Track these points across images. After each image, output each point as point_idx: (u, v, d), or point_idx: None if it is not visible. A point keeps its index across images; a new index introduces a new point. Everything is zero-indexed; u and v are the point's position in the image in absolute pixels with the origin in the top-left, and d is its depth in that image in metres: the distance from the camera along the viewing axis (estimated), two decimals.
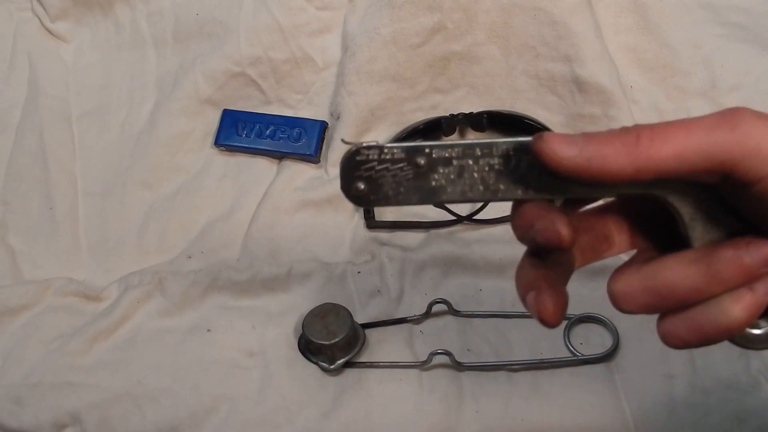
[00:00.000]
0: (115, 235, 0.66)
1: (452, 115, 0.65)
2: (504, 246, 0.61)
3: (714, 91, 0.66)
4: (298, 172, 0.66)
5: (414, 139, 0.66)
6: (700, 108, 0.66)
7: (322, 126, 0.67)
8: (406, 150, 0.33)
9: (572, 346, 0.57)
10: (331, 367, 0.56)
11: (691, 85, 0.67)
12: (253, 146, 0.67)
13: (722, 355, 0.54)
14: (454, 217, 0.62)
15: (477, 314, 0.59)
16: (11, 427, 0.55)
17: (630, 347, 0.56)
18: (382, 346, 0.58)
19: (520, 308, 0.58)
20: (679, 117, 0.69)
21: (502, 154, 0.32)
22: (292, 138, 0.67)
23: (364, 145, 0.33)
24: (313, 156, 0.66)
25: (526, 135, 0.32)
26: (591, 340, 0.57)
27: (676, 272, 0.31)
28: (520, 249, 0.64)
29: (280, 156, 0.68)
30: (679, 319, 0.32)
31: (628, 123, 0.69)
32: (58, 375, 0.56)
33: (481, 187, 0.33)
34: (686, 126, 0.30)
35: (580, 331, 0.58)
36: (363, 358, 0.57)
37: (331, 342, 0.55)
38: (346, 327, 0.56)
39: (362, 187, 0.33)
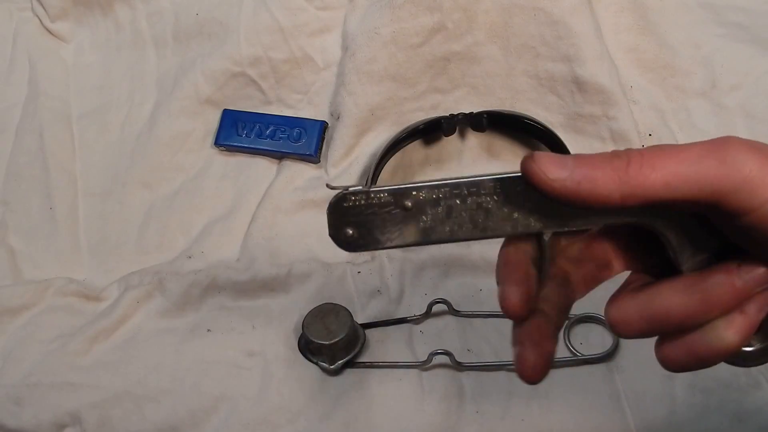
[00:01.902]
0: (115, 235, 0.66)
1: (452, 115, 0.65)
2: None
3: (714, 91, 0.66)
4: (298, 172, 0.66)
5: (404, 143, 0.66)
6: (700, 108, 0.66)
7: (322, 126, 0.67)
8: (393, 193, 0.32)
9: (572, 346, 0.57)
10: (331, 367, 0.56)
11: (691, 85, 0.67)
12: (253, 146, 0.67)
13: None
14: None
15: (477, 314, 0.59)
16: (11, 427, 0.55)
17: (630, 347, 0.56)
18: (382, 346, 0.58)
19: None
20: (679, 117, 0.70)
21: (489, 192, 0.32)
22: (292, 138, 0.67)
23: (351, 190, 0.32)
24: (313, 156, 0.66)
25: (510, 171, 0.32)
26: (591, 340, 0.57)
27: (671, 300, 0.32)
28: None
29: (280, 156, 0.68)
30: (676, 345, 0.32)
31: (628, 123, 0.69)
32: (58, 375, 0.56)
33: (470, 226, 0.33)
34: (676, 154, 0.30)
35: (580, 331, 0.58)
36: (363, 358, 0.57)
37: (331, 342, 0.55)
38: (346, 327, 0.56)
39: (351, 232, 0.33)
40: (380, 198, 0.32)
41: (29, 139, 0.69)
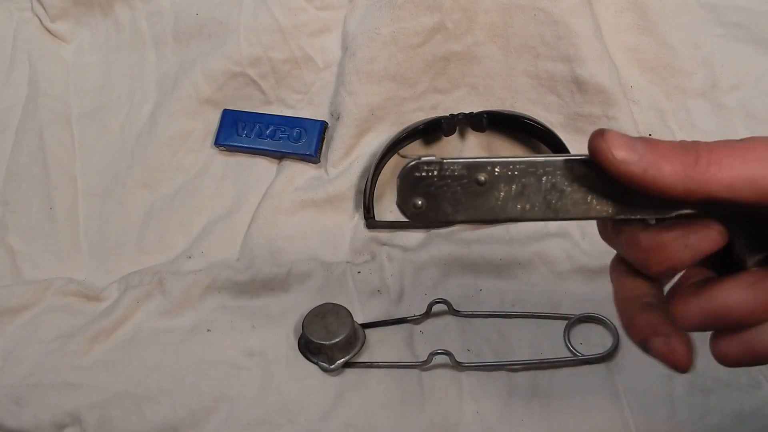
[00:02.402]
0: (115, 235, 0.66)
1: (452, 115, 0.65)
2: (504, 246, 0.61)
3: (714, 91, 0.66)
4: (298, 172, 0.66)
5: (421, 137, 0.66)
6: (700, 108, 0.66)
7: (322, 126, 0.67)
8: (468, 166, 0.32)
9: (572, 346, 0.57)
10: (331, 367, 0.56)
11: (691, 85, 0.67)
12: (253, 146, 0.67)
13: None
14: None
15: (477, 314, 0.59)
16: (11, 427, 0.55)
17: (630, 347, 0.56)
18: (382, 346, 0.58)
19: (520, 308, 0.59)
20: (679, 117, 0.70)
21: (564, 173, 0.32)
22: (292, 138, 0.67)
23: (424, 159, 0.32)
24: (313, 156, 0.66)
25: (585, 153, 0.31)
26: (591, 340, 0.57)
27: (733, 296, 0.31)
28: (520, 249, 0.64)
29: (280, 156, 0.68)
30: (733, 341, 0.32)
31: (628, 123, 0.69)
32: (58, 375, 0.56)
33: (543, 206, 0.32)
34: (743, 154, 0.29)
35: (580, 331, 0.58)
36: (363, 358, 0.57)
37: (331, 342, 0.55)
38: (346, 327, 0.56)
39: (420, 203, 0.32)
40: (453, 170, 0.32)
41: (29, 139, 0.69)
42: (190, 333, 0.59)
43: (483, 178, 0.32)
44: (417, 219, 0.32)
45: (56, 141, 0.69)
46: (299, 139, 0.67)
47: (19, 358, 0.57)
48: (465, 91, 0.67)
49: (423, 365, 0.56)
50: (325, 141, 0.67)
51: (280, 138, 0.67)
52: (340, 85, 0.67)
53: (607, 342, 0.56)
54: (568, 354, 0.56)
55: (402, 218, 0.65)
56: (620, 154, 0.30)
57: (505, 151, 0.67)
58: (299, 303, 0.60)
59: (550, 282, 0.60)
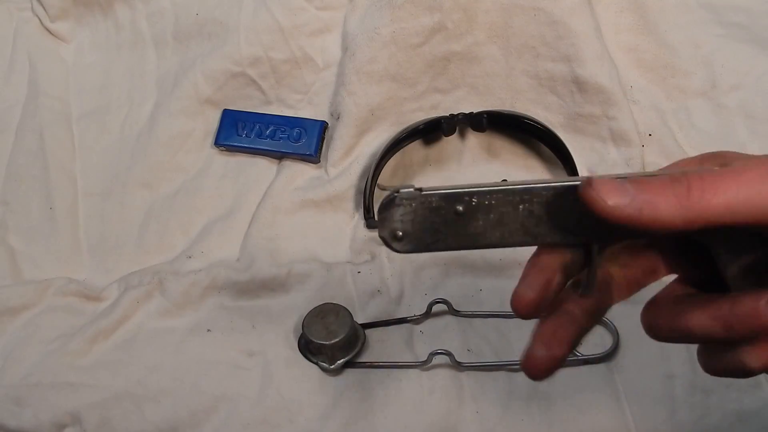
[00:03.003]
0: (115, 235, 0.66)
1: (452, 115, 0.65)
2: None
3: (714, 91, 0.66)
4: (298, 172, 0.66)
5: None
6: (700, 108, 0.66)
7: (322, 126, 0.67)
8: (445, 197, 0.32)
9: None
10: (331, 367, 0.56)
11: (691, 85, 0.67)
12: (253, 146, 0.67)
13: None
14: None
15: (477, 314, 0.59)
16: (11, 427, 0.55)
17: (630, 347, 0.56)
18: (382, 346, 0.58)
19: None
20: (679, 117, 0.70)
21: (543, 201, 0.32)
22: (292, 138, 0.67)
23: (402, 192, 0.32)
24: (313, 156, 0.66)
25: (567, 178, 0.32)
26: (591, 340, 0.57)
27: (696, 321, 0.32)
28: (520, 249, 0.64)
29: (280, 156, 0.68)
30: (710, 356, 0.34)
31: (628, 123, 0.69)
32: (58, 375, 0.56)
33: (521, 233, 0.32)
34: (737, 177, 0.29)
35: None
36: (363, 358, 0.57)
37: (331, 342, 0.55)
38: (346, 327, 0.56)
39: (400, 234, 0.33)
40: (431, 201, 0.32)
41: (29, 139, 0.69)
42: (190, 333, 0.59)
43: (461, 209, 0.32)
44: (398, 249, 0.33)
45: (56, 141, 0.69)
46: (299, 139, 0.67)
47: (19, 358, 0.57)
48: (465, 91, 0.67)
49: (423, 365, 0.56)
50: (325, 141, 0.67)
51: (280, 138, 0.67)
52: (340, 85, 0.67)
53: (607, 342, 0.56)
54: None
55: None
56: (612, 201, 0.30)
57: (506, 151, 0.67)
58: (299, 303, 0.60)
59: None
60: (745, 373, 0.33)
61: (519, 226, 0.32)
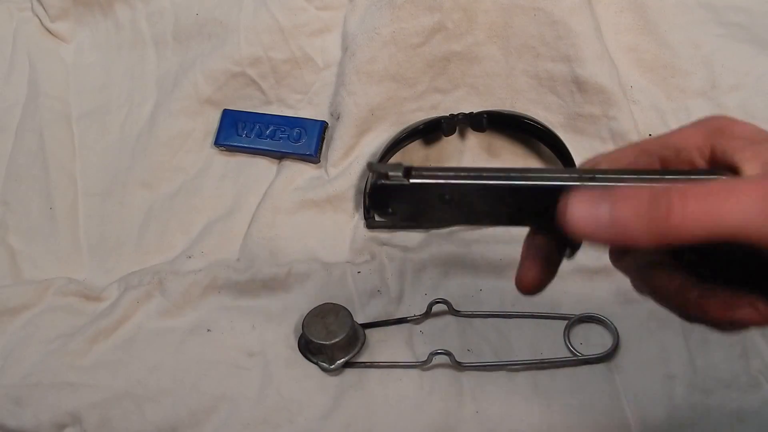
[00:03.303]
0: (115, 235, 0.66)
1: (452, 115, 0.65)
2: (504, 246, 0.61)
3: (714, 91, 0.66)
4: (298, 172, 0.66)
5: (411, 139, 0.66)
6: (700, 108, 0.66)
7: (322, 126, 0.67)
8: (434, 187, 0.33)
9: (572, 346, 0.57)
10: (331, 367, 0.56)
11: (691, 85, 0.67)
12: (253, 146, 0.67)
13: (722, 355, 0.54)
14: None
15: (477, 314, 0.59)
16: (11, 427, 0.55)
17: (630, 347, 0.56)
18: (382, 346, 0.58)
19: (520, 308, 0.59)
20: (678, 117, 0.70)
21: (527, 195, 0.33)
22: (292, 138, 0.67)
23: (392, 176, 0.33)
24: (313, 156, 0.66)
25: (551, 174, 0.33)
26: (591, 340, 0.57)
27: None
28: (520, 249, 0.64)
29: (280, 156, 0.68)
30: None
31: (628, 123, 0.69)
32: (58, 375, 0.56)
33: (505, 218, 0.34)
34: (719, 194, 0.28)
35: (580, 331, 0.58)
36: (363, 358, 0.57)
37: (331, 342, 0.55)
38: (346, 327, 0.56)
39: (390, 210, 0.34)
40: (420, 189, 0.33)
41: (29, 139, 0.69)
42: (190, 333, 0.59)
43: (447, 197, 0.33)
44: (378, 225, 0.34)
45: (56, 141, 0.69)
46: (299, 139, 0.67)
47: (19, 358, 0.57)
48: (465, 91, 0.67)
49: (423, 365, 0.56)
50: (325, 141, 0.67)
51: (280, 138, 0.67)
52: (340, 85, 0.67)
53: (607, 342, 0.56)
54: (568, 354, 0.56)
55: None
56: (586, 229, 0.30)
57: (505, 151, 0.67)
58: (299, 303, 0.60)
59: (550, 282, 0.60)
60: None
61: (503, 214, 0.34)
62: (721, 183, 0.29)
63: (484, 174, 0.33)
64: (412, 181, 0.33)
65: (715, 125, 0.34)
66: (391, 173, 0.33)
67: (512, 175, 0.33)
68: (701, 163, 0.34)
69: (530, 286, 0.35)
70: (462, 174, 0.33)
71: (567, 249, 0.35)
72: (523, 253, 0.35)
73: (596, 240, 0.30)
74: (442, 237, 0.62)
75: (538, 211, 0.33)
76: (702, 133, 0.34)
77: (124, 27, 0.74)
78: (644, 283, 0.35)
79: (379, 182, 0.33)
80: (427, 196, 0.33)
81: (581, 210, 0.30)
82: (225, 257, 0.63)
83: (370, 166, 0.34)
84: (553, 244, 0.35)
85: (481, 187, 0.33)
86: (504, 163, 0.67)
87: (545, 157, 0.66)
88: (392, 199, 0.34)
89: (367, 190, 0.34)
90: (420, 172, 0.33)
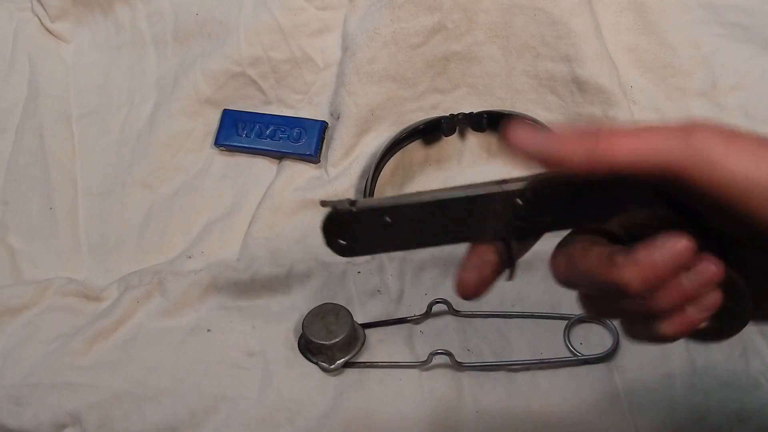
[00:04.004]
0: (115, 235, 0.66)
1: (452, 115, 0.65)
2: None
3: (714, 91, 0.66)
4: (298, 172, 0.66)
5: (398, 147, 0.66)
6: (700, 108, 0.66)
7: (322, 126, 0.67)
8: (375, 210, 0.36)
9: (572, 346, 0.57)
10: (331, 367, 0.56)
11: (691, 85, 0.67)
12: (253, 146, 0.67)
13: (722, 355, 0.55)
14: None
15: (477, 314, 0.59)
16: (11, 427, 0.55)
17: (630, 347, 0.56)
18: (382, 346, 0.58)
19: (520, 308, 0.59)
20: (679, 117, 0.70)
21: (460, 207, 0.35)
22: (292, 138, 0.67)
23: (338, 209, 0.36)
24: (313, 156, 0.66)
25: (479, 186, 0.35)
26: (591, 340, 0.57)
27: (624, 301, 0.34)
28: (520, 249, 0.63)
29: (280, 156, 0.68)
30: (625, 322, 0.36)
31: (629, 123, 0.69)
32: (58, 375, 0.56)
33: (443, 235, 0.36)
34: (646, 130, 0.31)
35: (580, 331, 0.58)
36: (363, 358, 0.57)
37: (331, 342, 0.55)
38: (346, 327, 0.56)
39: (343, 242, 0.37)
40: (363, 214, 0.36)
41: (29, 139, 0.68)
42: (190, 333, 0.59)
43: (388, 220, 0.36)
44: (344, 254, 0.37)
45: (56, 141, 0.69)
46: (299, 139, 0.67)
47: (19, 358, 0.57)
48: (465, 91, 0.67)
49: (423, 365, 0.56)
50: (325, 141, 0.67)
51: (280, 138, 0.67)
52: (340, 85, 0.67)
53: (607, 342, 0.56)
54: (568, 354, 0.56)
55: None
56: (526, 140, 0.33)
57: (505, 151, 0.67)
58: (299, 303, 0.60)
59: (550, 282, 0.59)
60: (660, 341, 0.34)
61: (443, 229, 0.36)
62: (644, 124, 0.32)
63: (420, 195, 0.36)
64: (355, 208, 0.36)
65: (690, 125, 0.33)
66: (338, 206, 0.36)
67: (440, 192, 0.36)
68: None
69: (469, 289, 0.36)
70: (400, 197, 0.36)
71: (507, 270, 0.37)
72: (464, 258, 0.37)
73: (534, 157, 0.32)
74: None
75: (469, 224, 0.35)
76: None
77: (124, 27, 0.74)
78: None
79: (328, 215, 0.36)
80: (371, 221, 0.36)
81: (522, 132, 0.33)
82: (225, 257, 0.63)
83: (322, 203, 0.37)
84: (493, 251, 0.36)
85: (416, 206, 0.35)
86: (505, 163, 0.67)
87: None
88: (342, 230, 0.36)
89: (321, 225, 0.37)
90: (363, 201, 0.36)
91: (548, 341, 0.57)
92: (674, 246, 0.32)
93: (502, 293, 0.60)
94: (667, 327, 0.33)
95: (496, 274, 0.37)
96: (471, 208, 0.35)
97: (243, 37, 0.68)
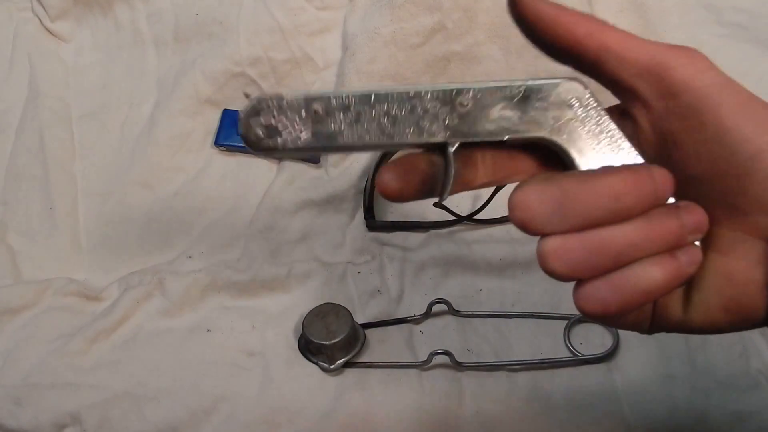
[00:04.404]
0: (115, 235, 0.66)
1: None
2: (504, 246, 0.61)
3: None
4: (298, 172, 0.66)
5: None
6: None
7: None
8: (305, 98, 0.34)
9: (572, 346, 0.57)
10: (331, 367, 0.56)
11: None
12: None
13: (722, 355, 0.55)
14: (454, 217, 0.62)
15: (477, 314, 0.59)
16: (11, 427, 0.55)
17: (630, 347, 0.56)
18: (382, 346, 0.58)
19: (520, 308, 0.59)
20: None
21: (397, 101, 0.34)
22: None
23: (266, 93, 0.34)
24: (313, 156, 0.66)
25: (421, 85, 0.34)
26: (591, 340, 0.57)
27: (616, 230, 0.31)
28: (521, 249, 0.64)
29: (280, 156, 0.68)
30: (599, 281, 0.31)
31: None
32: (58, 375, 0.56)
33: (378, 132, 0.34)
34: (637, 39, 0.34)
35: (580, 331, 0.58)
36: (363, 358, 0.57)
37: (331, 342, 0.55)
38: (346, 327, 0.56)
39: (261, 133, 0.35)
40: (292, 102, 0.34)
41: (29, 139, 0.68)
42: (190, 333, 0.59)
43: (319, 109, 0.34)
44: (257, 148, 0.35)
45: (56, 141, 0.69)
46: None
47: (19, 358, 0.57)
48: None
49: (423, 365, 0.56)
50: None
51: None
52: (340, 85, 0.67)
53: (607, 342, 0.57)
54: (568, 354, 0.56)
55: (402, 219, 0.65)
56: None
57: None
58: (299, 303, 0.60)
59: (550, 282, 0.59)
60: (649, 291, 0.31)
61: (376, 126, 0.34)
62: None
63: (359, 90, 0.34)
64: (285, 95, 0.34)
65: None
66: (266, 94, 0.34)
67: (381, 87, 0.34)
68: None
69: (391, 193, 0.35)
70: (335, 91, 0.34)
71: (443, 188, 0.35)
72: (393, 161, 0.35)
73: (537, 18, 0.34)
74: (442, 237, 0.62)
75: (407, 122, 0.34)
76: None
77: (124, 27, 0.74)
78: None
79: (253, 97, 0.34)
80: (300, 109, 0.34)
81: None
82: (225, 257, 0.63)
83: (244, 93, 0.35)
84: (424, 168, 0.35)
85: (352, 96, 0.34)
86: None
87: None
88: (264, 117, 0.34)
89: (241, 117, 0.35)
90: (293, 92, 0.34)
91: (548, 341, 0.57)
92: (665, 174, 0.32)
93: (502, 293, 0.60)
94: (657, 271, 0.31)
95: (423, 184, 0.35)
96: (412, 105, 0.34)
97: (243, 37, 0.68)
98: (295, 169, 0.67)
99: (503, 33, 0.65)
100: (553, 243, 0.31)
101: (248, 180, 0.67)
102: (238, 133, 0.38)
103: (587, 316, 0.32)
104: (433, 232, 0.63)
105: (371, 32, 0.65)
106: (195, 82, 0.69)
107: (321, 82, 0.69)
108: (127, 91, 0.72)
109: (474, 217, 0.62)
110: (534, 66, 0.66)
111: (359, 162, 0.65)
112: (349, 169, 0.65)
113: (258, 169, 0.68)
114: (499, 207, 0.61)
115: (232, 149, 0.68)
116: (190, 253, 0.63)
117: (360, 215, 0.64)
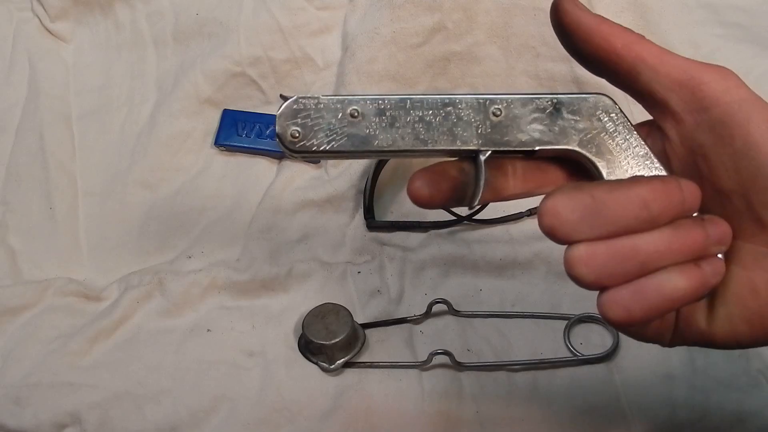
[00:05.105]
0: (115, 235, 0.66)
1: None
2: (504, 246, 0.61)
3: None
4: (298, 172, 0.66)
5: None
6: None
7: None
8: (342, 100, 0.34)
9: (572, 346, 0.57)
10: (331, 367, 0.56)
11: None
12: (253, 146, 0.67)
13: (722, 355, 0.55)
14: (454, 218, 0.62)
15: (477, 314, 0.59)
16: (11, 427, 0.55)
17: (630, 347, 0.56)
18: (382, 346, 0.58)
19: (520, 308, 0.59)
20: None
21: (433, 108, 0.34)
22: None
23: (303, 95, 0.35)
24: None
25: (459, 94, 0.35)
26: (591, 340, 0.57)
27: (643, 238, 0.31)
28: (521, 249, 0.64)
29: (280, 156, 0.68)
30: (624, 288, 0.31)
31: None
32: (58, 375, 0.56)
33: (412, 137, 0.35)
34: (667, 54, 0.34)
35: (580, 331, 0.58)
36: (363, 358, 0.57)
37: (331, 342, 0.55)
38: (346, 327, 0.56)
39: (297, 133, 0.35)
40: (329, 104, 0.35)
41: (29, 139, 0.68)
42: (190, 333, 0.59)
43: (356, 112, 0.34)
44: (293, 147, 0.35)
45: (56, 141, 0.69)
46: None
47: (19, 358, 0.57)
48: (465, 91, 0.67)
49: (423, 365, 0.56)
50: None
51: None
52: (340, 85, 0.67)
53: (607, 342, 0.57)
54: (568, 354, 0.56)
55: (402, 219, 0.65)
56: (582, 16, 0.35)
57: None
58: (299, 303, 0.60)
59: (550, 282, 0.60)
60: (673, 299, 0.32)
61: (410, 130, 0.35)
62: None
63: (394, 94, 0.35)
64: (323, 96, 0.34)
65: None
66: (303, 95, 0.35)
67: (417, 94, 0.35)
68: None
69: (421, 200, 0.36)
70: (371, 94, 0.35)
71: (467, 195, 0.36)
72: (424, 168, 0.36)
73: (576, 25, 0.35)
74: (442, 237, 0.62)
75: (440, 129, 0.34)
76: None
77: (124, 27, 0.74)
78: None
79: (290, 100, 0.34)
80: (337, 111, 0.34)
81: (575, 2, 0.35)
82: (225, 257, 0.63)
83: (281, 95, 0.36)
84: (455, 175, 0.36)
85: (389, 101, 0.34)
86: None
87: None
88: (301, 118, 0.35)
89: (278, 118, 0.36)
90: (329, 96, 0.35)
91: (548, 341, 0.57)
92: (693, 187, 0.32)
93: (502, 293, 0.60)
94: (681, 279, 0.31)
95: (454, 192, 0.36)
96: (447, 112, 0.34)
97: (243, 37, 0.68)
98: (295, 169, 0.67)
99: (503, 33, 0.65)
100: (580, 250, 0.31)
101: (248, 180, 0.67)
102: (272, 134, 0.39)
103: (611, 324, 0.32)
104: (433, 232, 0.63)
105: (371, 32, 0.65)
106: (195, 82, 0.69)
107: (321, 82, 0.69)
108: (127, 91, 0.72)
109: (474, 217, 0.62)
110: (534, 66, 0.66)
111: (359, 162, 0.65)
112: (349, 169, 0.65)
113: (258, 169, 0.68)
114: (499, 207, 0.61)
115: (232, 149, 0.68)
116: (190, 253, 0.63)
117: (360, 215, 0.64)
